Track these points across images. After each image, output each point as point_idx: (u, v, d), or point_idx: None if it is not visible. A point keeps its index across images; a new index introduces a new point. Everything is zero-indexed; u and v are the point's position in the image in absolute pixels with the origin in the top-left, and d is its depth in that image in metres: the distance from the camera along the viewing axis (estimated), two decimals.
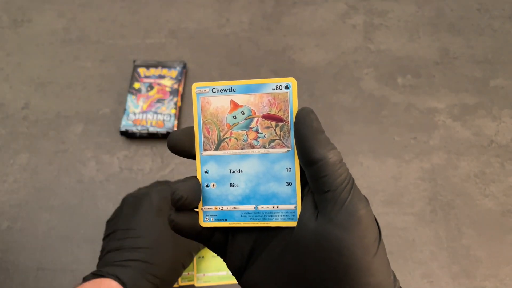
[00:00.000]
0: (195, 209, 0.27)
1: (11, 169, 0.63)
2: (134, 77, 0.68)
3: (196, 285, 0.55)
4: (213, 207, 0.27)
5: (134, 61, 0.70)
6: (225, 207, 0.27)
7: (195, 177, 0.27)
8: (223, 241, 0.28)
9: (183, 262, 0.49)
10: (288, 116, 0.26)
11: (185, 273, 0.56)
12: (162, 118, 0.64)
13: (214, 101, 0.27)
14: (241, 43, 0.73)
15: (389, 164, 0.63)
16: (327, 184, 0.23)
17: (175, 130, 0.27)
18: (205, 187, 0.27)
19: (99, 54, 0.72)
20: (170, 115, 0.65)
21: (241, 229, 0.27)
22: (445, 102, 0.68)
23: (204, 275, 0.56)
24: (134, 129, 0.64)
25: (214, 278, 0.55)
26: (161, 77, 0.68)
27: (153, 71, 0.68)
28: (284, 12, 0.76)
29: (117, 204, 0.60)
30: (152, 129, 0.64)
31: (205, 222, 0.27)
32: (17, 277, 0.56)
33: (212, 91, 0.27)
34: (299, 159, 0.25)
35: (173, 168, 0.63)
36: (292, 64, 0.71)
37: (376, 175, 0.62)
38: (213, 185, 0.27)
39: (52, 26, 0.75)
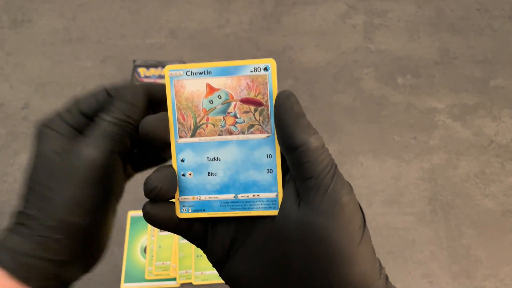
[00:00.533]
0: (171, 200, 0.26)
1: (11, 169, 0.63)
2: (134, 77, 0.68)
3: (194, 283, 0.55)
4: (190, 197, 0.26)
5: (134, 61, 0.70)
6: (203, 197, 0.25)
7: (170, 166, 0.26)
8: (202, 232, 0.26)
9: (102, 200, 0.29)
10: (267, 100, 0.24)
11: (183, 271, 0.56)
12: None
13: (188, 84, 0.25)
14: (241, 43, 0.73)
15: (389, 164, 0.63)
16: (309, 171, 0.22)
17: (148, 117, 0.25)
18: (182, 176, 0.26)
19: (99, 54, 0.72)
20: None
21: (221, 219, 0.26)
22: (445, 102, 0.68)
23: (202, 273, 0.56)
24: None
25: (212, 277, 0.55)
26: (161, 77, 0.68)
27: (153, 71, 0.68)
28: (284, 12, 0.76)
29: None
30: None
31: (182, 213, 0.26)
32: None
33: (187, 74, 0.25)
34: (279, 144, 0.24)
35: None
36: (292, 64, 0.71)
37: (376, 175, 0.62)
38: (190, 174, 0.25)
39: (52, 26, 0.75)
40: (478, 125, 0.66)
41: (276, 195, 0.25)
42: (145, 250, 0.57)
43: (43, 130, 0.27)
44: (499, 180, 0.62)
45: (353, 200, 0.22)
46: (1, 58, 0.73)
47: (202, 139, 0.25)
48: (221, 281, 0.55)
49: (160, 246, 0.57)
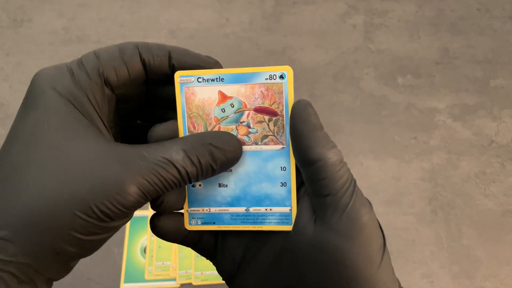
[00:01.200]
0: (180, 211, 0.25)
1: None
2: None
3: (194, 283, 0.55)
4: (200, 209, 0.24)
5: None
6: (213, 209, 0.24)
7: None
8: (212, 244, 0.25)
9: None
10: (283, 110, 0.23)
11: (183, 272, 0.56)
12: None
13: (200, 91, 0.23)
14: (241, 43, 0.73)
15: (389, 164, 0.63)
16: (326, 187, 0.21)
17: (156, 125, 0.23)
18: (191, 187, 0.24)
19: None
20: None
21: (232, 232, 0.25)
22: (445, 102, 0.67)
23: (202, 273, 0.56)
24: None
25: (212, 277, 0.55)
26: None
27: None
28: (284, 12, 0.76)
29: None
30: None
31: (191, 225, 0.24)
32: None
33: (198, 81, 0.23)
34: (295, 158, 0.22)
35: None
36: (292, 64, 0.71)
37: (376, 175, 0.62)
38: (200, 185, 0.24)
39: (52, 26, 0.75)
40: (479, 125, 0.66)
41: (290, 210, 0.24)
42: (145, 250, 0.57)
43: (49, 93, 0.21)
44: (500, 180, 0.62)
45: (373, 219, 0.21)
46: (1, 58, 0.73)
47: None
48: (221, 281, 0.55)
49: (160, 246, 0.57)
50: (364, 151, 0.63)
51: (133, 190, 0.20)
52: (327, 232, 0.21)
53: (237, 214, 0.24)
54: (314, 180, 0.21)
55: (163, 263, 0.56)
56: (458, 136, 0.65)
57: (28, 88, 0.21)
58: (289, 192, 0.24)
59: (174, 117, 0.24)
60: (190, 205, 0.24)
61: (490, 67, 0.70)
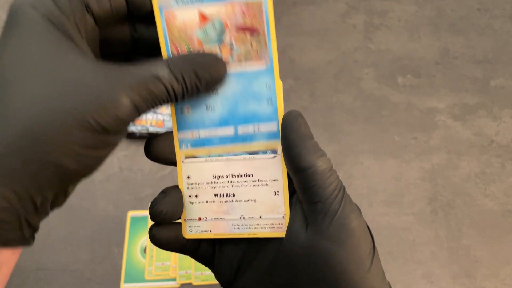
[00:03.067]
0: (177, 221, 0.25)
1: None
2: None
3: (194, 283, 0.55)
4: (190, 132, 0.25)
5: None
6: (202, 133, 0.25)
7: (176, 187, 0.25)
8: (210, 252, 0.26)
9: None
10: (264, 28, 0.23)
11: (183, 272, 0.56)
12: (162, 118, 0.64)
13: (180, 14, 0.23)
14: None
15: (389, 164, 0.63)
16: (316, 194, 0.22)
17: (153, 137, 0.24)
18: (180, 114, 0.25)
19: None
20: (170, 115, 0.65)
21: (229, 239, 0.25)
22: (445, 102, 0.67)
23: (202, 273, 0.56)
24: (133, 129, 0.64)
25: (212, 277, 0.55)
26: None
27: None
28: (284, 12, 0.76)
29: (117, 204, 0.60)
30: (152, 129, 0.64)
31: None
32: (17, 277, 0.56)
33: (177, 2, 0.23)
34: (286, 166, 0.23)
35: (172, 168, 0.63)
36: (292, 64, 0.71)
37: (376, 175, 0.62)
38: (188, 108, 0.24)
39: None
40: (479, 125, 0.66)
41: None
42: (145, 250, 0.57)
43: (28, 12, 0.21)
44: (500, 180, 0.62)
45: (362, 224, 0.22)
46: None
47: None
48: None
49: None
50: (364, 151, 0.63)
51: (125, 100, 0.20)
52: (318, 238, 0.21)
53: (226, 137, 0.24)
54: (305, 187, 0.22)
55: (163, 263, 0.56)
56: (458, 136, 0.65)
57: (9, 9, 0.21)
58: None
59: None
60: (179, 129, 0.25)
61: (490, 67, 0.70)
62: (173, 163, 0.25)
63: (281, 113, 0.24)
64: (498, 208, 0.60)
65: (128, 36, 0.24)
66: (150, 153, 0.25)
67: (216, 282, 0.55)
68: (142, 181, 0.62)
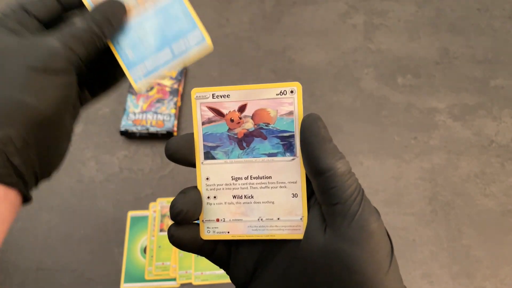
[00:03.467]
0: (195, 222, 0.26)
1: None
2: None
3: (194, 283, 0.55)
4: (139, 67, 0.28)
5: None
6: (148, 64, 0.28)
7: (195, 187, 0.26)
8: (226, 254, 0.26)
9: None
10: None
11: (183, 272, 0.56)
12: (162, 118, 0.64)
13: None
14: (241, 43, 0.73)
15: (389, 164, 0.63)
16: (335, 196, 0.22)
17: (174, 137, 0.25)
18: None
19: None
20: (170, 115, 0.65)
21: (245, 241, 0.26)
22: (445, 102, 0.67)
23: (202, 273, 0.56)
24: (134, 129, 0.64)
25: (212, 277, 0.55)
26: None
27: None
28: (284, 12, 0.76)
29: (117, 204, 0.61)
30: (152, 129, 0.64)
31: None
32: (17, 277, 0.56)
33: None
34: (305, 168, 0.23)
35: (172, 168, 0.63)
36: (292, 64, 0.71)
37: (376, 175, 0.62)
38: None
39: None
40: (478, 125, 0.66)
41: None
42: (145, 250, 0.57)
43: None
44: (500, 180, 0.62)
45: (381, 227, 0.22)
46: None
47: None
48: (221, 281, 0.55)
49: (160, 246, 0.57)
50: (364, 151, 0.63)
51: (56, 43, 0.27)
52: (337, 240, 0.21)
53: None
54: (324, 189, 0.22)
55: (163, 263, 0.56)
56: (458, 136, 0.65)
57: None
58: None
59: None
60: (129, 69, 0.29)
61: (490, 67, 0.70)
62: (193, 164, 0.26)
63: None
64: (498, 208, 0.60)
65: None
66: (171, 155, 0.25)
67: (216, 282, 0.55)
68: (142, 181, 0.62)
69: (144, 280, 0.55)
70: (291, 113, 0.24)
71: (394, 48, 0.72)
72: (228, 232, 0.25)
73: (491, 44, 0.72)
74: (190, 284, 0.55)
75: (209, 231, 0.25)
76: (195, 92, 0.25)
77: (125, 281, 0.55)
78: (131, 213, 0.60)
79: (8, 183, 0.25)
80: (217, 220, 0.25)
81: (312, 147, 0.22)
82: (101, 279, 0.56)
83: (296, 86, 0.24)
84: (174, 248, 0.57)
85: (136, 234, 0.58)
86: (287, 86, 0.24)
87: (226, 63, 0.71)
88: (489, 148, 0.64)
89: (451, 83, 0.69)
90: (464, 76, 0.70)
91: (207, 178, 0.25)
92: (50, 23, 0.30)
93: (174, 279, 0.55)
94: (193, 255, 0.57)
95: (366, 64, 0.71)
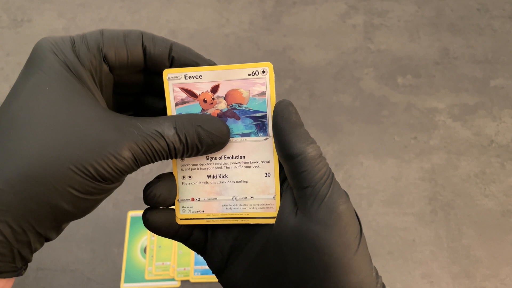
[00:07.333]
0: (172, 207, 0.26)
1: None
2: None
3: (192, 280, 0.55)
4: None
5: None
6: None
7: (170, 173, 0.26)
8: (202, 239, 0.26)
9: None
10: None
11: (181, 269, 0.56)
12: None
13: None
14: (241, 43, 0.73)
15: (389, 164, 0.63)
16: (306, 180, 0.22)
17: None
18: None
19: None
20: None
21: (221, 226, 0.26)
22: (445, 102, 0.67)
23: (200, 271, 0.56)
24: None
25: (212, 277, 0.55)
26: None
27: None
28: (284, 12, 0.76)
29: (117, 204, 0.61)
30: None
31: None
32: (17, 277, 0.56)
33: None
34: (277, 153, 0.24)
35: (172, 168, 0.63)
36: (292, 64, 0.71)
37: (376, 175, 0.62)
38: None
39: (52, 26, 0.75)
40: (478, 125, 0.66)
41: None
42: (145, 250, 0.57)
43: (48, 56, 0.22)
44: (500, 180, 0.62)
45: (350, 209, 0.23)
46: (1, 58, 0.73)
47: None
48: None
49: (160, 246, 0.57)
50: (364, 151, 0.63)
51: (127, 154, 0.21)
52: (307, 221, 0.22)
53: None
54: (295, 173, 0.23)
55: (163, 263, 0.56)
56: (458, 136, 0.65)
57: (31, 51, 0.23)
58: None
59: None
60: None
61: (490, 67, 0.70)
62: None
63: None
64: (498, 208, 0.60)
65: (142, 81, 0.26)
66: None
67: (215, 280, 0.55)
68: (142, 181, 0.62)
69: (144, 280, 0.55)
70: (263, 93, 0.24)
71: (394, 48, 0.72)
72: (203, 211, 0.26)
73: (491, 44, 0.72)
74: (188, 281, 0.55)
75: (184, 211, 0.26)
76: (167, 73, 0.25)
77: (125, 281, 0.55)
78: (131, 213, 0.60)
79: (12, 275, 0.23)
80: (192, 199, 0.26)
81: (284, 132, 0.23)
82: (101, 279, 0.56)
83: (268, 67, 0.24)
84: (174, 248, 0.57)
85: (136, 234, 0.58)
86: (259, 66, 0.24)
87: (226, 63, 0.71)
88: (489, 148, 0.64)
89: (451, 83, 0.69)
90: (464, 76, 0.70)
91: (182, 158, 0.26)
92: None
93: (174, 279, 0.55)
94: (192, 253, 0.57)
95: (366, 64, 0.71)
